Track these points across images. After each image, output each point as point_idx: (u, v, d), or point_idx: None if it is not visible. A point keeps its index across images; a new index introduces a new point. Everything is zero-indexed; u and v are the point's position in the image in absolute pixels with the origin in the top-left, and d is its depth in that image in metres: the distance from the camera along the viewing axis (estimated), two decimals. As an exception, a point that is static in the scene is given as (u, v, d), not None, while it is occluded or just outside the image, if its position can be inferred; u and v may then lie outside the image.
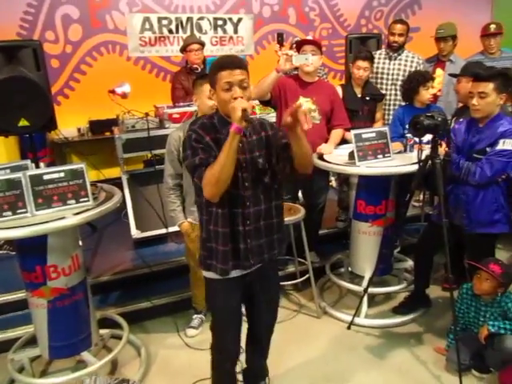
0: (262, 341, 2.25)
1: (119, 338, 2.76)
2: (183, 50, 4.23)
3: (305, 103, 3.18)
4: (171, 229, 3.48)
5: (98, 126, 4.84)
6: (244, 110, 1.62)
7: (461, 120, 2.82)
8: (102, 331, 2.76)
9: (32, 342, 2.64)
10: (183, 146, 1.84)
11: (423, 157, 2.59)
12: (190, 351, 2.85)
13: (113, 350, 2.68)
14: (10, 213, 2.20)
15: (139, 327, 3.07)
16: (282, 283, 3.34)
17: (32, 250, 2.30)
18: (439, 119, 2.43)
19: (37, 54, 3.15)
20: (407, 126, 3.25)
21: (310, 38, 3.25)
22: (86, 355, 2.52)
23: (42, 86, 3.16)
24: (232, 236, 1.85)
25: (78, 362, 2.68)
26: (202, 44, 4.26)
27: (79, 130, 4.87)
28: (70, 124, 4.70)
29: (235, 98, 1.69)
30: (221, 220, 1.83)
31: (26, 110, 3.12)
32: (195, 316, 3.06)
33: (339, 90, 3.57)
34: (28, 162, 2.56)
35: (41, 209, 2.26)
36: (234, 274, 1.91)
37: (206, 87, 2.57)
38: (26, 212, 2.24)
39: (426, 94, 3.27)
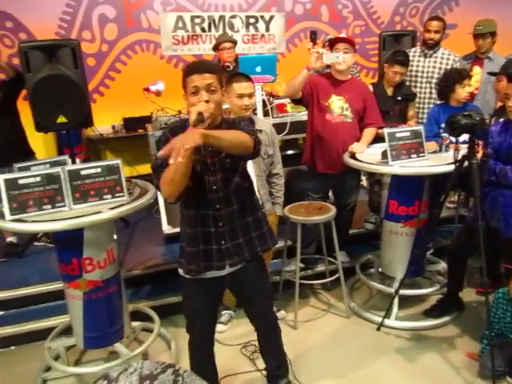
0: (269, 340, 2.25)
1: (150, 330, 2.82)
2: (216, 48, 4.26)
3: (337, 101, 3.20)
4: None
5: (131, 123, 4.95)
6: (199, 114, 1.64)
7: (498, 121, 2.73)
8: (134, 324, 2.83)
9: (67, 331, 2.73)
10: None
11: (459, 157, 2.53)
12: (219, 346, 2.85)
13: (143, 342, 2.73)
14: (49, 206, 2.28)
15: (169, 321, 3.13)
16: (311, 282, 3.34)
17: (69, 242, 2.37)
18: (477, 118, 2.36)
19: (75, 52, 3.25)
20: (442, 125, 3.19)
21: (343, 35, 3.18)
22: (118, 346, 2.59)
23: (79, 84, 3.26)
24: (203, 237, 1.87)
25: (111, 352, 2.76)
26: (235, 42, 4.28)
27: (113, 127, 4.99)
28: (104, 121, 4.82)
29: (206, 102, 1.71)
30: (188, 221, 1.88)
31: (64, 108, 3.24)
32: (224, 312, 3.10)
33: (370, 89, 3.53)
34: (66, 157, 2.65)
35: (78, 203, 2.34)
36: (209, 275, 1.93)
37: (236, 86, 2.60)
38: (64, 206, 2.31)
39: (462, 93, 3.19)
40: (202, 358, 2.18)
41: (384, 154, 2.86)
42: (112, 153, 5.07)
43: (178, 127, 1.81)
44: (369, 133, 3.27)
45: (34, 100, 3.19)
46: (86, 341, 2.53)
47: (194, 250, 1.89)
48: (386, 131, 2.83)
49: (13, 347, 2.99)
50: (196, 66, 1.78)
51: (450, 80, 3.21)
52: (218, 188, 1.83)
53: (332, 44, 3.28)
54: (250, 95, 2.62)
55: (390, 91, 3.55)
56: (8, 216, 2.22)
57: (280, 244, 3.29)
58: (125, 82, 5.09)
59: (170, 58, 5.33)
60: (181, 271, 2.00)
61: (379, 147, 3.07)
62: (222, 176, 1.83)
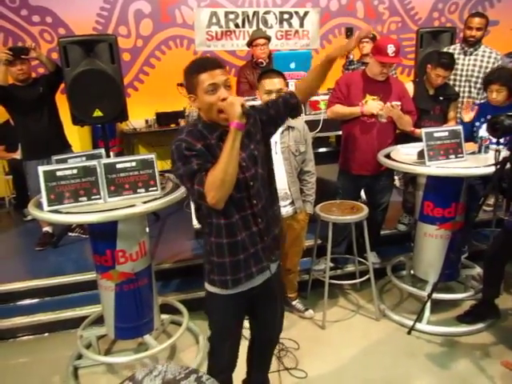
0: (266, 355, 2.18)
1: (178, 324, 2.85)
2: (249, 44, 4.26)
3: (371, 101, 3.12)
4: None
5: (164, 118, 5.01)
6: (243, 106, 1.56)
7: None
8: (163, 316, 2.86)
9: (99, 321, 2.79)
10: (172, 158, 1.66)
11: (500, 159, 2.44)
12: (246, 343, 2.87)
13: (172, 335, 2.77)
14: (85, 198, 2.33)
15: (197, 315, 3.14)
16: (341, 282, 3.29)
17: (103, 234, 2.42)
18: (521, 119, 2.27)
19: (112, 48, 3.31)
20: (477, 124, 3.10)
21: (391, 50, 2.91)
22: (147, 338, 2.62)
23: (116, 78, 3.32)
24: (250, 240, 1.75)
25: (140, 344, 2.80)
26: (268, 39, 4.26)
27: (147, 121, 5.07)
28: (138, 115, 4.90)
29: (223, 99, 1.60)
30: (228, 230, 1.72)
31: (101, 102, 3.30)
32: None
33: (411, 87, 3.44)
34: (102, 150, 2.70)
35: (113, 196, 2.37)
36: (242, 288, 1.80)
37: (264, 82, 2.58)
38: (99, 198, 2.36)
39: (489, 95, 3.06)
40: (226, 380, 2.04)
41: (421, 154, 2.78)
42: (145, 147, 5.15)
43: (195, 131, 1.67)
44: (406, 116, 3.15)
45: (71, 94, 3.27)
46: (117, 331, 2.58)
47: (239, 258, 1.75)
48: (423, 131, 2.76)
49: (46, 334, 3.08)
50: (208, 63, 1.65)
51: (483, 82, 3.11)
52: (253, 183, 1.73)
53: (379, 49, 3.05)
54: (279, 91, 2.59)
55: (431, 90, 3.45)
56: (46, 207, 2.28)
57: (310, 242, 3.28)
58: (158, 77, 5.15)
59: (203, 54, 5.35)
60: (213, 289, 1.83)
61: (415, 147, 2.99)
62: (254, 170, 1.75)
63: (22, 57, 3.46)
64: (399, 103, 3.05)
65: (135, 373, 0.82)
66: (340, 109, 3.13)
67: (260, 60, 4.15)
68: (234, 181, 1.58)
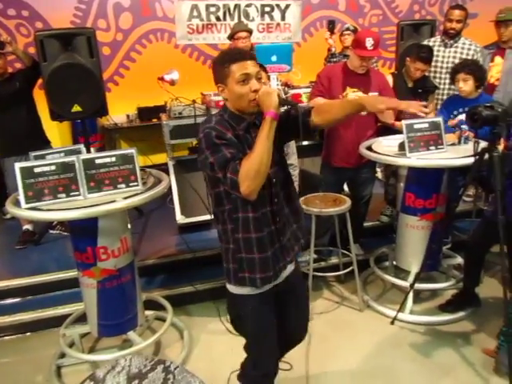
0: (289, 350, 2.14)
1: (163, 320, 2.84)
2: (231, 37, 4.22)
3: (351, 94, 3.13)
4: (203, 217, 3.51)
5: (146, 113, 4.96)
6: (279, 96, 1.56)
7: None
8: (147, 312, 2.84)
9: (82, 319, 2.75)
10: (199, 148, 1.65)
11: (479, 149, 2.46)
12: (231, 337, 2.87)
13: (157, 331, 2.75)
14: (64, 195, 2.29)
15: (182, 311, 3.14)
16: (324, 274, 3.31)
17: (84, 231, 2.39)
18: (499, 110, 2.29)
19: (91, 41, 3.25)
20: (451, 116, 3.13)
21: (369, 43, 2.92)
22: (132, 335, 2.60)
23: (95, 72, 3.26)
24: (270, 238, 1.72)
25: (124, 340, 2.78)
26: (250, 32, 4.23)
27: (128, 116, 5.00)
28: (119, 110, 4.84)
29: (255, 91, 1.59)
30: (253, 225, 1.68)
31: (80, 96, 3.25)
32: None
33: (390, 79, 3.45)
34: (81, 146, 2.65)
35: (92, 192, 2.34)
36: (268, 286, 1.77)
37: None
38: (78, 195, 2.32)
39: (457, 85, 3.08)
40: None
41: (401, 146, 2.81)
42: (127, 142, 5.09)
43: (223, 121, 1.65)
44: None
45: (49, 89, 3.20)
46: (100, 329, 2.55)
47: (267, 255, 1.72)
48: (404, 122, 2.78)
49: (29, 333, 3.03)
50: (241, 53, 1.64)
51: (452, 71, 3.13)
52: (276, 181, 1.72)
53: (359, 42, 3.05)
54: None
55: (410, 83, 3.47)
56: (23, 204, 2.23)
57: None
58: (139, 71, 5.08)
59: (184, 48, 5.31)
60: (242, 290, 1.76)
61: (396, 139, 3.02)
62: (276, 168, 1.73)
63: (-2, 51, 3.38)
64: (376, 93, 3.05)
65: (96, 371, 0.78)
66: (321, 102, 3.12)
67: None
68: (267, 171, 1.57)
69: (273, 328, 1.86)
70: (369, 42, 2.93)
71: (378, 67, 4.46)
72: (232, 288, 1.80)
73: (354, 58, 3.08)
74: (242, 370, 2.02)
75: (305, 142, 4.19)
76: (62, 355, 2.72)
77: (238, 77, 1.59)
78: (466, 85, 3.03)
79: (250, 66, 1.60)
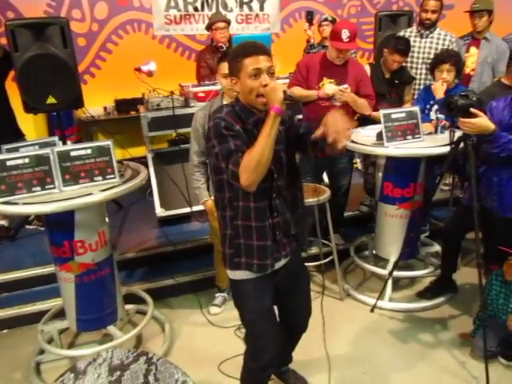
0: (296, 338, 2.19)
1: (144, 313, 2.82)
2: (209, 28, 4.17)
3: (328, 85, 3.13)
4: (195, 208, 3.50)
5: (123, 105, 4.87)
6: (285, 92, 1.58)
7: (500, 98, 2.66)
8: (128, 306, 2.82)
9: (60, 314, 2.72)
10: (207, 135, 1.69)
11: (455, 138, 2.50)
12: (213, 329, 2.88)
13: (138, 324, 2.73)
14: (38, 188, 2.24)
15: (163, 304, 3.12)
16: (306, 264, 3.32)
17: (60, 225, 2.34)
18: (474, 99, 2.32)
19: (64, 31, 3.16)
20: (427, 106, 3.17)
21: (345, 35, 2.92)
22: (112, 329, 2.58)
23: (69, 63, 3.19)
24: (272, 228, 1.76)
25: (105, 335, 2.75)
26: (228, 22, 4.19)
27: (105, 108, 4.91)
28: (96, 103, 4.74)
29: (265, 86, 1.61)
30: (254, 214, 1.72)
31: (54, 88, 3.17)
32: (218, 294, 3.09)
33: (367, 70, 3.47)
34: (56, 138, 2.59)
35: (68, 185, 2.29)
36: (270, 270, 1.81)
37: (223, 66, 2.53)
38: (54, 188, 2.27)
39: (437, 76, 3.10)
40: (265, 381, 2.03)
41: (379, 136, 2.83)
42: (104, 135, 4.99)
43: (233, 113, 1.67)
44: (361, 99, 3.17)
45: (22, 80, 3.11)
46: (79, 323, 2.52)
47: (265, 244, 1.75)
48: (381, 112, 2.80)
49: (5, 330, 2.97)
50: (254, 47, 1.64)
51: (431, 63, 3.16)
52: (277, 176, 1.75)
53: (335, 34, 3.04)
54: None
55: (387, 74, 3.49)
56: (-3, 198, 2.18)
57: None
58: (116, 62, 4.98)
59: (162, 39, 5.22)
60: (238, 274, 1.80)
61: (374, 129, 3.04)
62: (279, 167, 1.76)
63: (-33, 41, 3.27)
64: (346, 86, 3.05)
65: (76, 363, 0.76)
66: (297, 91, 3.12)
67: (220, 44, 4.07)
68: (268, 165, 1.58)
69: (269, 315, 1.89)
70: (345, 34, 2.93)
71: (356, 58, 4.47)
72: (231, 273, 1.84)
73: (331, 49, 3.08)
74: (243, 363, 2.02)
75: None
76: (41, 351, 2.67)
77: (249, 71, 1.62)
78: (449, 75, 3.06)
79: (263, 61, 1.62)
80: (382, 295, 3.00)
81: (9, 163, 2.20)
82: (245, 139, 1.64)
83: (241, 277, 1.81)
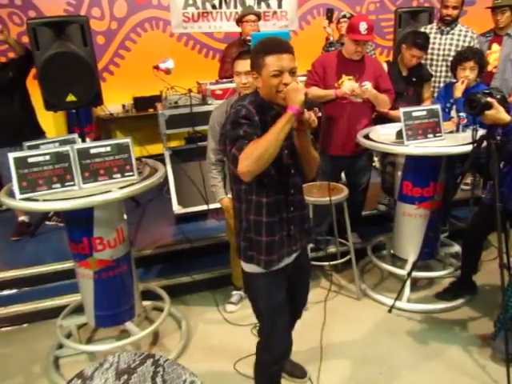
0: (296, 320, 2.20)
1: (161, 310, 2.83)
2: (239, 21, 4.14)
3: (346, 81, 3.10)
4: (212, 205, 3.50)
5: (141, 103, 4.91)
6: (306, 94, 1.57)
7: None
8: (145, 303, 2.83)
9: (79, 309, 2.75)
10: (226, 119, 1.71)
11: (478, 137, 2.45)
12: (229, 327, 2.88)
13: (154, 321, 2.74)
14: (58, 185, 2.27)
15: (180, 301, 3.14)
16: (321, 263, 3.31)
17: (79, 221, 2.37)
18: (498, 96, 2.27)
19: (84, 29, 3.20)
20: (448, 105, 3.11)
21: (363, 27, 2.91)
22: (129, 325, 2.60)
23: (88, 61, 3.22)
24: (280, 224, 1.77)
25: (122, 331, 2.77)
26: (259, 16, 4.17)
27: (124, 106, 4.96)
28: (115, 100, 4.78)
29: (285, 84, 1.61)
30: (266, 209, 1.73)
31: (74, 86, 3.21)
32: (234, 292, 3.09)
33: (384, 67, 3.42)
34: (75, 135, 2.62)
35: (87, 182, 2.32)
36: (280, 265, 1.82)
37: (237, 63, 2.53)
38: (73, 185, 2.30)
39: (459, 73, 3.03)
40: (278, 372, 2.06)
41: (399, 134, 2.79)
42: (122, 132, 5.04)
43: (256, 103, 1.68)
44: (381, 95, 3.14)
45: (42, 78, 3.16)
46: (97, 319, 2.55)
47: (273, 239, 1.77)
48: (401, 110, 2.75)
49: (25, 324, 3.02)
50: (278, 45, 1.63)
51: (454, 60, 3.10)
52: (294, 172, 1.77)
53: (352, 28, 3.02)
54: (247, 73, 2.49)
55: (405, 72, 3.44)
56: (18, 195, 2.21)
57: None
58: (135, 60, 5.02)
59: (180, 36, 5.24)
60: (251, 267, 1.81)
61: (393, 127, 3.00)
62: (294, 159, 1.77)
63: (-11, 40, 3.33)
64: (367, 83, 3.02)
65: (84, 369, 0.76)
66: (315, 91, 3.11)
67: (249, 37, 4.04)
68: (269, 161, 1.56)
69: (283, 308, 1.89)
70: (362, 27, 2.91)
71: (375, 55, 4.42)
72: (244, 266, 1.85)
73: (348, 44, 3.05)
74: (256, 356, 2.04)
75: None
76: (60, 346, 2.71)
77: (271, 70, 1.61)
78: (472, 73, 3.00)
79: (286, 60, 1.61)
80: (400, 296, 2.96)
81: (30, 160, 2.23)
82: (259, 130, 1.63)
83: (254, 270, 1.82)
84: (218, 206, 2.94)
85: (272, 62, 1.61)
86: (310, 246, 3.11)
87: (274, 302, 1.86)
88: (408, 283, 2.98)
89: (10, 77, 3.44)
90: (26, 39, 3.94)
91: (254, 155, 1.53)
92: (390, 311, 2.95)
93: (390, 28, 5.04)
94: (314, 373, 2.43)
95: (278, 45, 1.63)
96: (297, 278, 1.98)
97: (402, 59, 3.42)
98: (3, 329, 3.00)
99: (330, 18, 4.34)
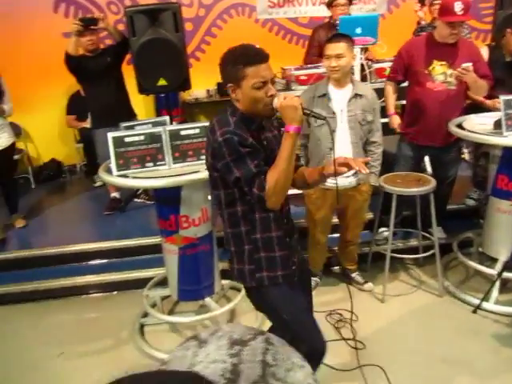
0: None
1: (237, 289, 2.91)
2: (329, 4, 4.07)
3: (439, 67, 2.92)
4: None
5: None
6: (302, 108, 1.51)
7: None
8: (223, 281, 2.92)
9: (163, 283, 2.92)
10: (219, 152, 1.55)
11: None
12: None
13: (231, 299, 2.84)
14: (151, 164, 2.40)
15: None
16: (403, 256, 3.20)
17: (167, 199, 2.49)
18: None
19: (176, 16, 3.32)
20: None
21: (458, 7, 2.67)
22: (208, 301, 2.71)
23: (179, 47, 3.35)
24: (283, 237, 1.73)
25: (201, 306, 2.90)
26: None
27: (208, 91, 5.10)
28: (200, 86, 4.93)
29: (271, 96, 1.53)
30: (274, 224, 1.68)
31: (165, 71, 3.35)
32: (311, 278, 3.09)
33: (485, 52, 3.19)
34: (167, 118, 2.75)
35: (177, 162, 2.43)
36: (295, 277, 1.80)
37: (327, 47, 2.49)
38: (164, 164, 2.42)
39: None
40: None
41: (497, 124, 2.60)
42: (206, 117, 5.20)
43: (239, 123, 1.57)
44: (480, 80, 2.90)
45: (138, 63, 3.34)
46: (180, 293, 2.69)
47: (286, 253, 1.74)
48: (501, 98, 2.56)
49: (115, 292, 3.28)
50: (257, 54, 1.53)
51: None
52: None
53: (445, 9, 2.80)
54: (338, 56, 2.48)
55: (508, 57, 3.17)
56: (115, 171, 2.38)
57: (370, 215, 3.21)
58: (220, 46, 4.98)
59: (264, 22, 5.26)
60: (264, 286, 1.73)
61: (490, 116, 2.79)
62: None
63: (92, 27, 3.57)
64: (470, 64, 2.80)
65: (199, 333, 0.79)
66: (386, 93, 3.11)
67: (337, 22, 3.96)
68: (290, 183, 1.58)
69: (307, 306, 1.89)
70: (458, 6, 2.68)
71: (471, 38, 4.12)
72: (253, 285, 1.74)
73: (441, 27, 2.84)
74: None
75: (385, 120, 4.02)
76: (145, 314, 2.91)
77: (254, 82, 1.52)
78: None
79: (266, 71, 1.53)
80: (487, 296, 2.79)
81: (126, 140, 2.38)
82: (260, 151, 1.57)
83: (273, 284, 1.73)
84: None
85: (254, 73, 1.51)
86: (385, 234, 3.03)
87: (299, 308, 1.78)
88: (497, 284, 2.80)
89: (108, 62, 3.67)
90: (121, 27, 4.19)
91: (278, 188, 1.51)
92: (474, 311, 2.80)
93: (488, 10, 4.68)
94: (387, 368, 2.36)
95: (257, 54, 1.53)
96: (302, 285, 1.90)
97: (506, 44, 3.16)
98: (95, 294, 3.28)
99: (422, 2, 4.12)
